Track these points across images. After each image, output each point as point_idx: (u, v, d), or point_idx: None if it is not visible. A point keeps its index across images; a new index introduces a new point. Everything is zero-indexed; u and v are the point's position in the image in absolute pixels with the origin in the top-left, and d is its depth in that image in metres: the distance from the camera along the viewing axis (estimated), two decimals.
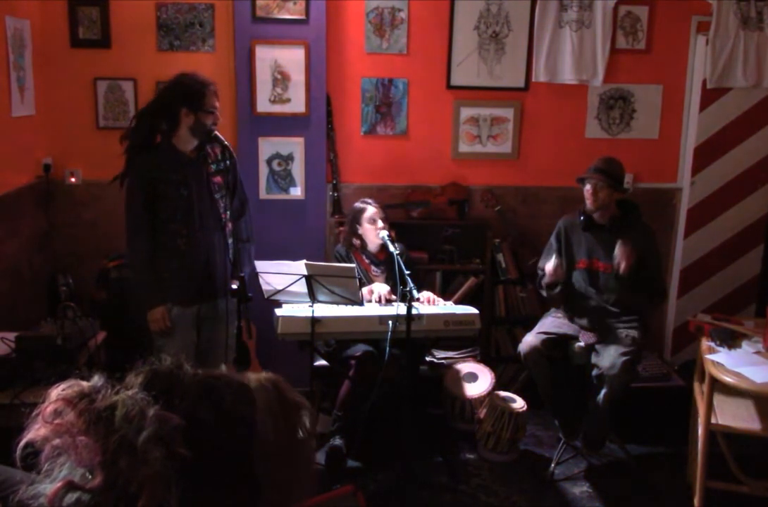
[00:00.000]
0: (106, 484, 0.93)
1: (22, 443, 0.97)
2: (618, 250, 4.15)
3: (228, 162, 3.84)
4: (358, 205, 4.53)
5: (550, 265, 4.25)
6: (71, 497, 0.94)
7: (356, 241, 4.50)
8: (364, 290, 4.25)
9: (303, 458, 1.13)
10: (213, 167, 3.84)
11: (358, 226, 4.48)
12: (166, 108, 3.74)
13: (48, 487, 0.96)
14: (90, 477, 0.95)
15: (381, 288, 4.35)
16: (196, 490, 0.96)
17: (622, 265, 4.13)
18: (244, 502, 1.02)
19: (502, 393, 4.56)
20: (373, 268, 4.53)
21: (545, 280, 4.34)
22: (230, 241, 3.87)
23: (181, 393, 1.01)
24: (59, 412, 0.97)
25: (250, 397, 1.05)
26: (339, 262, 4.44)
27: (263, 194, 4.94)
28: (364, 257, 4.52)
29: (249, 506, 1.03)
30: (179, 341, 3.84)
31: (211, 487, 0.98)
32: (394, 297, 4.26)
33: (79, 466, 0.95)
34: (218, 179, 3.85)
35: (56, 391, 0.99)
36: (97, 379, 1.02)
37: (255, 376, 1.11)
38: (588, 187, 4.22)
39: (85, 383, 1.01)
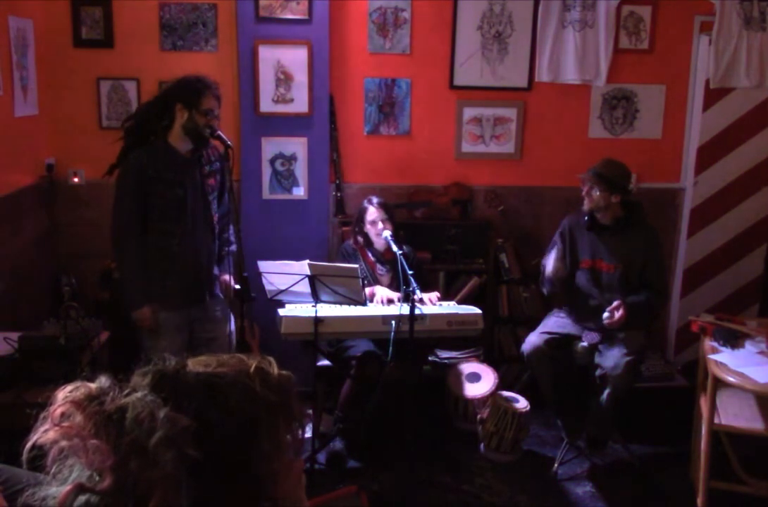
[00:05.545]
0: (116, 486, 0.93)
1: (29, 445, 0.97)
2: (607, 314, 4.13)
3: (219, 163, 3.83)
4: (362, 204, 4.52)
5: (550, 264, 4.26)
6: (81, 500, 0.94)
7: (361, 239, 4.51)
8: (366, 291, 4.25)
9: (299, 457, 1.13)
10: (207, 168, 3.82)
11: (362, 225, 4.48)
12: (164, 102, 3.71)
13: (57, 490, 0.96)
14: (98, 479, 0.95)
15: (383, 292, 4.34)
16: (202, 489, 0.96)
17: (610, 323, 4.14)
18: (247, 501, 1.02)
19: (505, 393, 4.56)
20: (378, 266, 4.52)
21: (547, 275, 4.33)
22: (218, 243, 3.86)
23: (187, 394, 1.01)
24: (67, 414, 0.97)
25: (254, 395, 1.05)
26: (345, 258, 4.45)
27: (266, 194, 4.94)
28: (370, 255, 4.52)
29: (251, 505, 1.04)
30: (169, 342, 3.77)
31: (216, 487, 0.98)
32: (396, 295, 4.25)
33: (89, 469, 0.95)
34: (212, 181, 3.83)
35: (63, 394, 0.99)
36: (103, 381, 1.02)
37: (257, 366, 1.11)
38: (583, 188, 4.24)
39: (92, 385, 1.01)
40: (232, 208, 3.84)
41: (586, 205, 4.26)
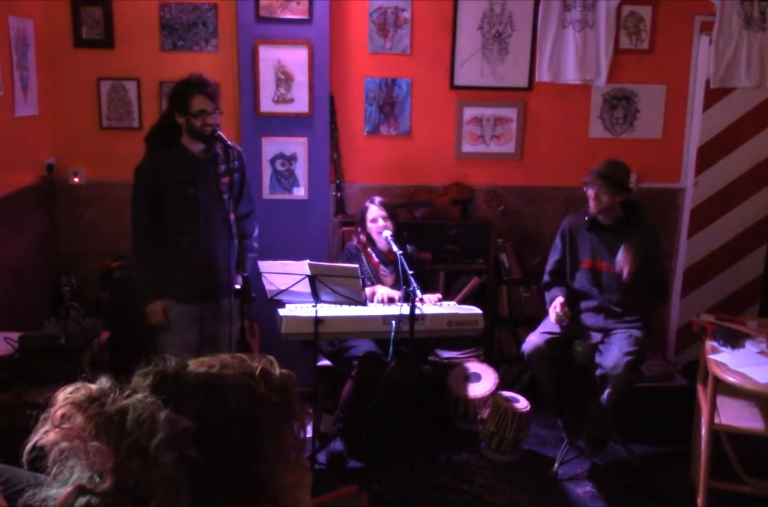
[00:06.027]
0: (116, 487, 0.93)
1: (29, 446, 0.97)
2: (620, 256, 4.12)
3: (236, 163, 3.95)
4: (365, 203, 4.54)
5: (554, 309, 4.26)
6: (81, 501, 0.94)
7: (363, 238, 4.51)
8: (367, 291, 4.25)
9: (302, 457, 1.13)
10: (222, 167, 3.86)
11: (364, 224, 4.49)
12: (166, 114, 3.86)
13: (58, 492, 0.96)
14: (98, 480, 0.95)
15: (384, 290, 4.35)
16: (202, 490, 0.96)
17: (625, 271, 4.10)
18: (247, 501, 1.02)
19: (506, 393, 4.55)
20: (382, 267, 4.52)
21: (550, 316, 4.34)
22: (236, 241, 3.91)
23: (188, 395, 1.01)
24: (68, 416, 0.97)
25: (255, 396, 1.05)
26: (349, 259, 4.45)
27: (267, 194, 4.94)
28: (374, 256, 4.52)
29: (252, 506, 1.04)
30: (181, 338, 3.91)
31: (217, 487, 0.98)
32: (397, 294, 4.25)
33: (90, 471, 0.95)
34: (227, 180, 3.88)
35: (63, 395, 0.99)
36: (103, 382, 1.02)
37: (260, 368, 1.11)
38: (590, 191, 4.23)
39: (92, 386, 1.01)
40: (243, 211, 3.95)
41: (594, 208, 4.24)
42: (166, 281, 3.86)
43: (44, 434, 0.96)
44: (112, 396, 0.99)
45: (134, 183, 3.86)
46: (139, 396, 0.99)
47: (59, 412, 0.97)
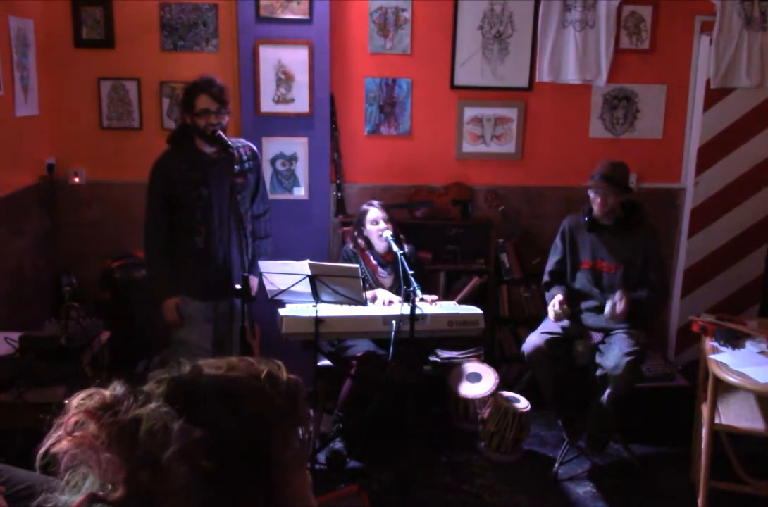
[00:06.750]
0: (128, 497, 0.93)
1: (41, 452, 0.96)
2: (609, 304, 4.14)
3: (251, 163, 4.02)
4: (362, 206, 4.54)
5: (553, 307, 4.25)
6: None
7: (361, 242, 4.51)
8: (368, 295, 4.24)
9: (305, 461, 1.13)
10: (237, 168, 3.88)
11: (363, 227, 4.49)
12: (180, 113, 3.96)
13: (70, 499, 0.95)
14: (110, 488, 0.94)
15: (385, 295, 4.34)
16: (213, 496, 0.96)
17: (613, 315, 4.14)
18: (257, 504, 1.02)
19: (506, 393, 4.56)
20: (380, 269, 4.52)
21: (549, 311, 4.33)
22: (250, 241, 3.93)
23: (202, 403, 1.00)
24: (81, 423, 0.96)
25: (266, 401, 1.05)
26: (346, 261, 4.45)
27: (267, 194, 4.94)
28: (371, 258, 4.52)
29: None
30: (195, 334, 3.96)
31: (228, 493, 0.98)
32: (398, 299, 4.25)
33: (102, 480, 0.95)
34: (241, 180, 3.91)
35: (77, 401, 0.99)
36: (117, 388, 1.01)
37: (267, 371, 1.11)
38: (594, 195, 4.22)
39: (106, 393, 1.00)
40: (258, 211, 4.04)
41: (599, 211, 4.24)
42: (179, 278, 3.92)
43: (57, 441, 0.96)
44: (126, 404, 0.99)
45: (149, 182, 3.92)
46: (153, 406, 0.98)
47: (72, 420, 0.96)
